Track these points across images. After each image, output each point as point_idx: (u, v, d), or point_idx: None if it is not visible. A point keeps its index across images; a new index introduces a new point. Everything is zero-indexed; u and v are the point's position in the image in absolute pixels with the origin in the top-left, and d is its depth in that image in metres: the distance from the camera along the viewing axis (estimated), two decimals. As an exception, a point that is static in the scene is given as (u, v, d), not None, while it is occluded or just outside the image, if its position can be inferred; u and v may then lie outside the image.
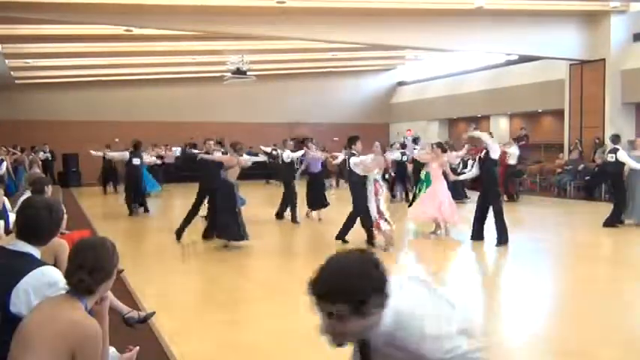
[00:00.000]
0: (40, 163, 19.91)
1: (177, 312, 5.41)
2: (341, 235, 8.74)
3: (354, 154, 8.87)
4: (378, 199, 8.30)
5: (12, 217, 5.05)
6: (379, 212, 8.28)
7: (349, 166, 8.84)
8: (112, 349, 2.89)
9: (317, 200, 11.50)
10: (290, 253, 8.10)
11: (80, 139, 22.21)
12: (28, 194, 5.53)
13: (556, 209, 13.62)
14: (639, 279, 6.88)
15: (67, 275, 2.28)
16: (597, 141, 16.20)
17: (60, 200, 3.19)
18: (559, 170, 16.81)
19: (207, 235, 9.01)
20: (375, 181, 8.38)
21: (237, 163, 8.77)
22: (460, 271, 7.83)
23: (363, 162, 8.42)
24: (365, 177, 8.58)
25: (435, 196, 9.32)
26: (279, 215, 11.52)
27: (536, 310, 5.60)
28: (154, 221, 11.99)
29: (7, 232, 5.01)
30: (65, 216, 3.84)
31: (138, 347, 2.61)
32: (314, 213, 11.67)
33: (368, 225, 8.54)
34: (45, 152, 21.18)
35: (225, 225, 8.43)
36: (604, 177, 10.79)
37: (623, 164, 10.34)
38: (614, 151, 10.48)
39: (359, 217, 8.67)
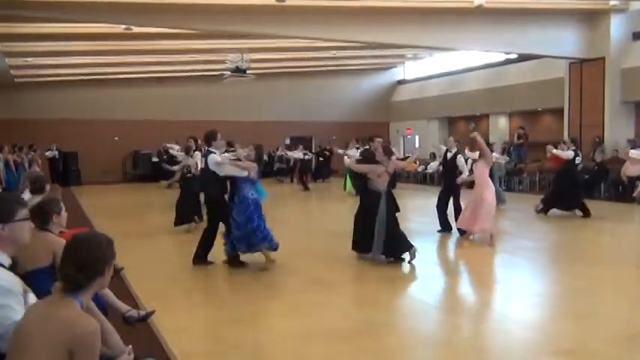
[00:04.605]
0: (48, 161, 20.02)
1: (178, 310, 5.40)
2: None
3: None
4: None
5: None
6: None
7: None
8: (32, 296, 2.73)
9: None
10: (293, 253, 8.08)
11: (80, 137, 22.30)
12: (27, 193, 5.54)
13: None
14: (639, 278, 6.88)
15: (58, 270, 2.28)
16: (597, 140, 16.19)
17: (16, 195, 3.14)
18: (558, 169, 16.76)
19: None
20: None
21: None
22: (458, 271, 7.83)
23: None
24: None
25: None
26: None
27: (535, 309, 5.59)
28: (154, 220, 11.97)
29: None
30: (65, 214, 3.85)
31: (130, 346, 2.57)
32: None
33: None
34: (52, 150, 21.31)
35: None
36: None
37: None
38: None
39: None
